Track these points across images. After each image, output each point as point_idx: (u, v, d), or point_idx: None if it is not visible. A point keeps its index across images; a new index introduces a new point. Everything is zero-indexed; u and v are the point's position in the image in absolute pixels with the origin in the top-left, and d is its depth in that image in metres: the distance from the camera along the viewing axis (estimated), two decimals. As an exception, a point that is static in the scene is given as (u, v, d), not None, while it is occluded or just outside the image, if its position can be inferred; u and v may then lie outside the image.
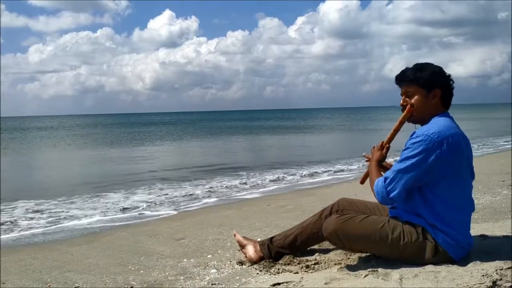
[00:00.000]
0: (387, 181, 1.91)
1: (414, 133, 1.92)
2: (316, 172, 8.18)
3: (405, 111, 1.99)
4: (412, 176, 1.85)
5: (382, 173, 2.04)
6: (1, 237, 4.04)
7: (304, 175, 7.89)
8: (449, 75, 1.99)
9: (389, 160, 2.19)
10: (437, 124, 1.89)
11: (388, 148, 2.11)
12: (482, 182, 4.75)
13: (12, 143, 20.41)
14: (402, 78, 2.00)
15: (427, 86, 1.94)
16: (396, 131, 2.07)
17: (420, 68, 1.97)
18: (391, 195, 1.89)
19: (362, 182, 2.24)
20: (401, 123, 2.04)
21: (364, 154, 2.26)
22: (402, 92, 2.02)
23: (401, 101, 2.02)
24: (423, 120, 1.97)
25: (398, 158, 1.95)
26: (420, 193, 1.91)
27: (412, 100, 1.96)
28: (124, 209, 5.28)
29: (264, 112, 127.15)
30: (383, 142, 2.13)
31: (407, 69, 2.01)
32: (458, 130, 1.92)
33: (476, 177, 2.01)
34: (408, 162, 1.85)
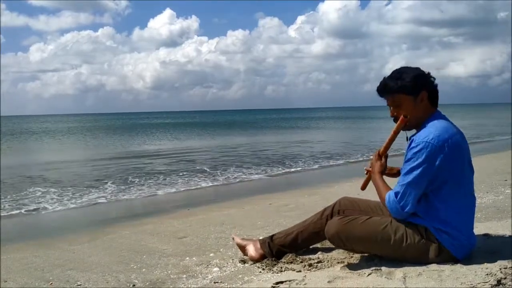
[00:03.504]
0: (398, 196, 1.89)
1: (412, 140, 1.90)
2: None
3: (399, 122, 1.96)
4: (421, 187, 1.86)
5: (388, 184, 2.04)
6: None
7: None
8: (429, 73, 1.97)
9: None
10: (434, 128, 1.87)
11: (386, 157, 2.11)
12: (484, 181, 4.74)
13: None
14: (385, 90, 1.98)
15: (413, 92, 1.91)
16: (391, 140, 2.07)
17: (400, 76, 1.94)
18: (406, 209, 1.89)
19: (363, 188, 2.24)
20: (396, 133, 2.01)
21: (365, 167, 2.25)
22: (389, 103, 1.99)
23: (391, 113, 2.00)
24: (417, 126, 1.96)
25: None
26: (423, 197, 1.90)
27: (403, 110, 1.94)
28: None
29: (264, 112, 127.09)
30: (379, 151, 2.12)
31: (386, 79, 1.98)
32: (454, 128, 1.91)
33: (478, 177, 2.01)
34: (415, 173, 1.84)
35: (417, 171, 1.83)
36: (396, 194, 1.90)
